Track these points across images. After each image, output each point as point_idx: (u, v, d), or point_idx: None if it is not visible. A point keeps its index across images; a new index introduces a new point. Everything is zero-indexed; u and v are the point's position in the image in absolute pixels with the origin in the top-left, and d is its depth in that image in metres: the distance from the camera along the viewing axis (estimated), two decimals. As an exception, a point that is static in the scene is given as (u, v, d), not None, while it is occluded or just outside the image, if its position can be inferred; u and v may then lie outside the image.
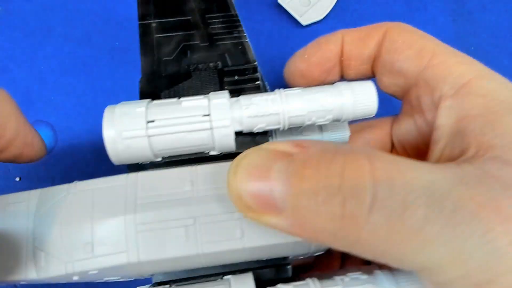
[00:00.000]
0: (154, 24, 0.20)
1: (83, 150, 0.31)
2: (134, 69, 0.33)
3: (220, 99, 0.16)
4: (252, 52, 0.20)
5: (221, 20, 0.20)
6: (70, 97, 0.32)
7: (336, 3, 0.36)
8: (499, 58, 0.36)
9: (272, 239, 0.15)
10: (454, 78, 0.17)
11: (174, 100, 0.16)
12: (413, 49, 0.18)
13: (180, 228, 0.15)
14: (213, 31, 0.20)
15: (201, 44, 0.19)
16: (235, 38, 0.20)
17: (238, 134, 0.17)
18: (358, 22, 0.37)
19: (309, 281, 0.15)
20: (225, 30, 0.20)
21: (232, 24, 0.20)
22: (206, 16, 0.20)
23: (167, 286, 0.16)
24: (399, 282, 0.14)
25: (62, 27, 0.34)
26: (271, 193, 0.13)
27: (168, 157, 0.17)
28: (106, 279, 0.16)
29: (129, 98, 0.17)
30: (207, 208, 0.15)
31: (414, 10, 0.37)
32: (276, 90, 0.17)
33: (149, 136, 0.16)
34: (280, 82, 0.34)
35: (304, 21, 0.35)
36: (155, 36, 0.19)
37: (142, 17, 0.20)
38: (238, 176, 0.13)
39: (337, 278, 0.15)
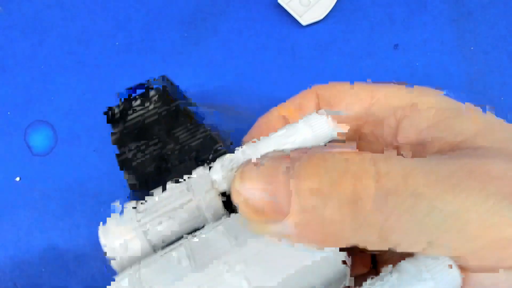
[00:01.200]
0: (130, 156, 0.24)
1: (83, 150, 0.31)
2: (134, 69, 0.33)
3: (197, 171, 0.18)
4: (221, 137, 0.23)
5: (185, 130, 0.24)
6: (70, 97, 0.32)
7: (336, 3, 0.36)
8: (499, 58, 0.36)
9: (279, 272, 0.14)
10: (399, 102, 0.19)
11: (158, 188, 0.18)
12: (351, 95, 0.20)
13: None
14: (181, 141, 0.24)
15: (175, 152, 0.23)
16: (202, 133, 0.23)
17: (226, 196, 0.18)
18: (358, 22, 0.37)
19: None
20: (191, 136, 0.23)
21: (196, 128, 0.24)
22: (172, 132, 0.24)
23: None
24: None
25: (62, 27, 0.34)
26: (276, 196, 0.13)
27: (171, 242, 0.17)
28: None
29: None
30: (208, 272, 0.15)
31: (414, 10, 0.37)
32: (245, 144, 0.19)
33: (144, 231, 0.16)
34: (279, 82, 0.34)
35: (304, 21, 0.35)
36: (133, 164, 0.23)
37: (119, 149, 0.24)
38: (244, 180, 0.14)
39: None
